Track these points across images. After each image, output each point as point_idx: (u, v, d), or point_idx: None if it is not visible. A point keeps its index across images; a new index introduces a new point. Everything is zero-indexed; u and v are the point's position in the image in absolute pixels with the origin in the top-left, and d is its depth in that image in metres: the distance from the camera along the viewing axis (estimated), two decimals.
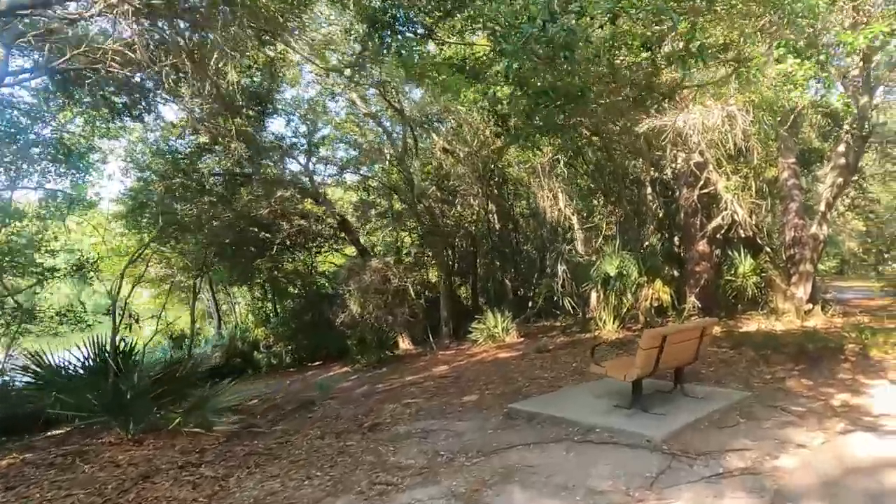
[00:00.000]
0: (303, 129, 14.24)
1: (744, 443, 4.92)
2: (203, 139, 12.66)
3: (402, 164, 13.38)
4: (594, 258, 11.68)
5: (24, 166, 12.12)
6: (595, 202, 14.86)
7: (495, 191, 18.10)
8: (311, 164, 14.61)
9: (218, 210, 12.90)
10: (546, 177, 16.27)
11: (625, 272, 10.97)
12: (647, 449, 4.82)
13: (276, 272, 14.58)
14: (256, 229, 14.38)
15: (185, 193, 12.47)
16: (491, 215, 16.35)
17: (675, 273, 15.04)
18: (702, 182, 10.83)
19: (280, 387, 11.51)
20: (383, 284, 13.16)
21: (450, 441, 5.36)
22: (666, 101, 7.23)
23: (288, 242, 16.17)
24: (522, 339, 12.55)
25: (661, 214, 15.25)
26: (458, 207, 17.53)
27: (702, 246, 12.18)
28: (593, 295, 11.38)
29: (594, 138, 12.19)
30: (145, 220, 13.68)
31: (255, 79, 11.73)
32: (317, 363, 13.96)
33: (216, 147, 12.97)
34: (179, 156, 13.10)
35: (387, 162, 14.66)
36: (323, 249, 16.85)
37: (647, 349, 5.42)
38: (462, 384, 8.46)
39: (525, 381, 8.19)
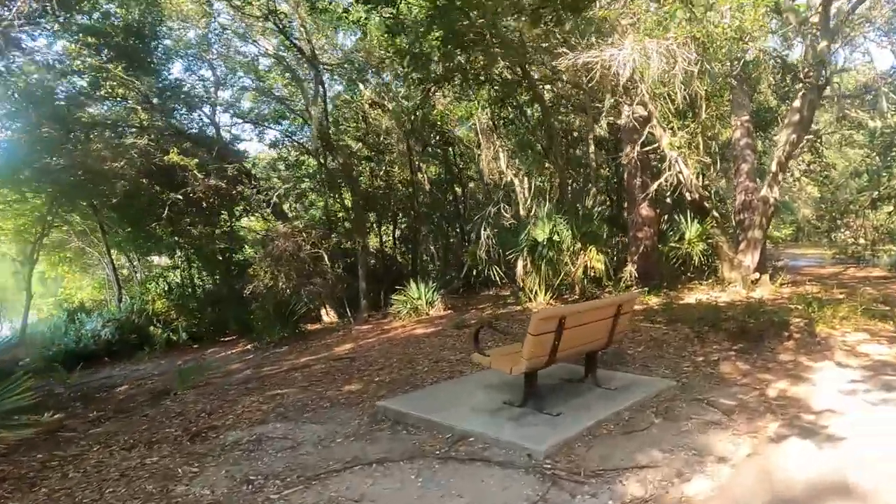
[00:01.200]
0: (207, 74, 12.50)
1: (652, 456, 3.81)
2: (82, 83, 10.86)
3: (310, 114, 11.81)
4: (526, 222, 10.49)
5: None
6: (535, 161, 13.63)
7: (438, 150, 16.71)
8: (216, 114, 12.92)
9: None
10: (485, 134, 14.98)
11: (557, 238, 9.81)
12: (525, 468, 3.65)
13: (177, 237, 12.97)
14: (158, 187, 12.68)
15: (60, 145, 10.71)
16: (421, 175, 14.94)
17: (624, 239, 14.11)
18: (643, 137, 9.66)
19: (170, 368, 10.12)
20: (297, 252, 11.75)
21: (279, 457, 4.11)
22: (569, 13, 5.92)
23: (204, 205, 14.53)
24: (449, 311, 11.37)
25: (606, 175, 14.12)
26: (396, 168, 16.09)
27: (645, 210, 11.09)
28: (520, 263, 10.21)
29: (527, 86, 10.89)
30: (24, 176, 11.85)
31: (129, 9, 9.95)
32: (227, 339, 12.54)
33: (99, 93, 11.22)
34: (57, 102, 11.25)
35: (308, 114, 13.00)
36: (244, 213, 15.22)
37: (537, 335, 4.22)
38: (354, 368, 7.22)
39: (426, 364, 6.99)
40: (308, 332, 11.11)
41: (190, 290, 14.19)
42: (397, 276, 14.97)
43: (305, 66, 11.83)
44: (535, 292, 10.34)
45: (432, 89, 11.22)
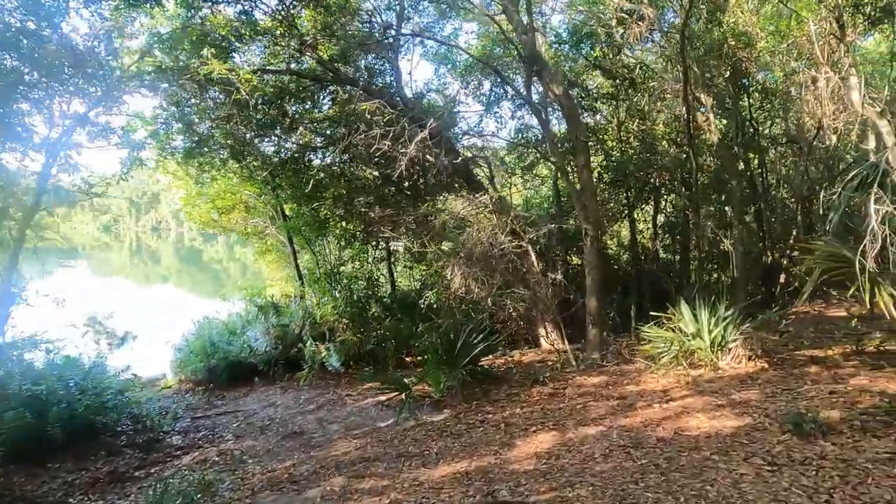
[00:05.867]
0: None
1: None
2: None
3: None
4: None
5: None
6: None
7: (727, 99, 10.79)
8: (398, 58, 9.41)
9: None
10: (823, 54, 8.86)
11: None
12: None
13: (344, 222, 9.86)
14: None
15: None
16: (708, 128, 9.25)
17: None
18: None
19: (298, 411, 6.88)
20: (491, 245, 7.57)
21: None
22: None
23: (410, 184, 11.22)
24: (762, 366, 5.84)
25: None
26: (660, 121, 10.79)
27: None
28: None
29: None
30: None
31: None
32: (407, 365, 8.90)
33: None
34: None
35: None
36: (441, 191, 11.52)
37: None
38: None
39: None
40: (496, 375, 6.81)
41: (377, 293, 10.85)
42: (658, 289, 9.68)
43: None
44: None
45: None
